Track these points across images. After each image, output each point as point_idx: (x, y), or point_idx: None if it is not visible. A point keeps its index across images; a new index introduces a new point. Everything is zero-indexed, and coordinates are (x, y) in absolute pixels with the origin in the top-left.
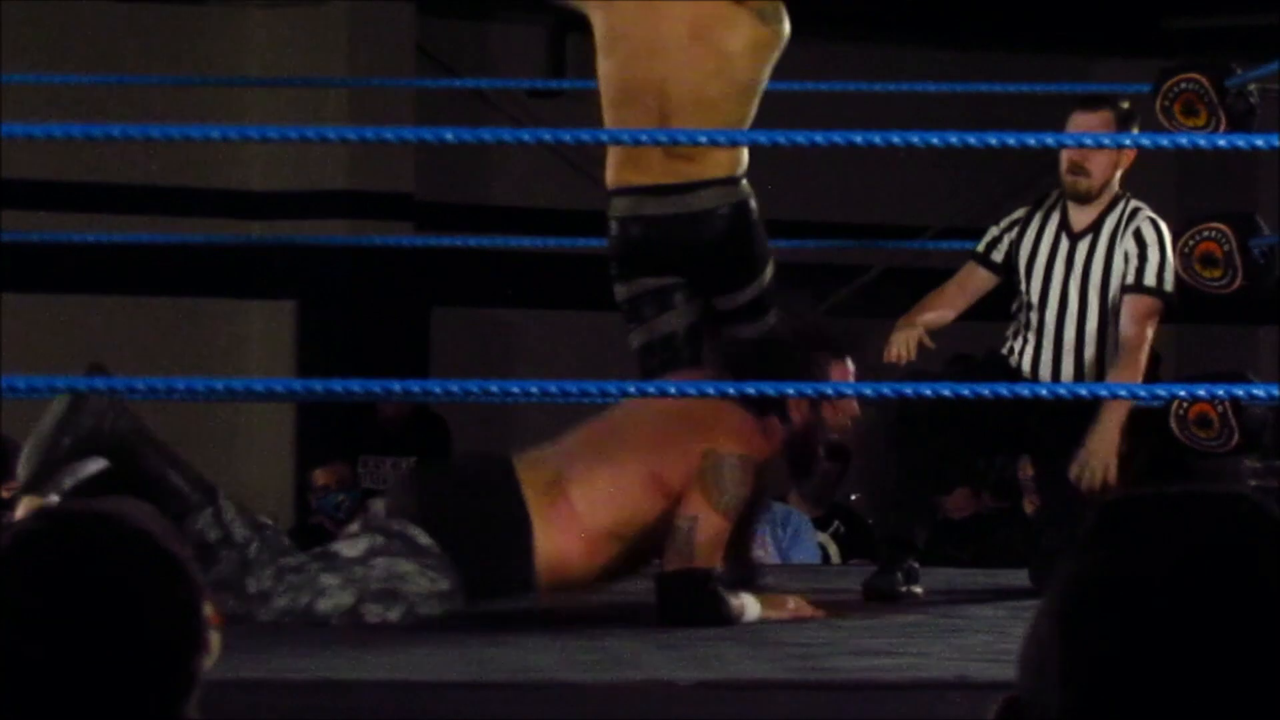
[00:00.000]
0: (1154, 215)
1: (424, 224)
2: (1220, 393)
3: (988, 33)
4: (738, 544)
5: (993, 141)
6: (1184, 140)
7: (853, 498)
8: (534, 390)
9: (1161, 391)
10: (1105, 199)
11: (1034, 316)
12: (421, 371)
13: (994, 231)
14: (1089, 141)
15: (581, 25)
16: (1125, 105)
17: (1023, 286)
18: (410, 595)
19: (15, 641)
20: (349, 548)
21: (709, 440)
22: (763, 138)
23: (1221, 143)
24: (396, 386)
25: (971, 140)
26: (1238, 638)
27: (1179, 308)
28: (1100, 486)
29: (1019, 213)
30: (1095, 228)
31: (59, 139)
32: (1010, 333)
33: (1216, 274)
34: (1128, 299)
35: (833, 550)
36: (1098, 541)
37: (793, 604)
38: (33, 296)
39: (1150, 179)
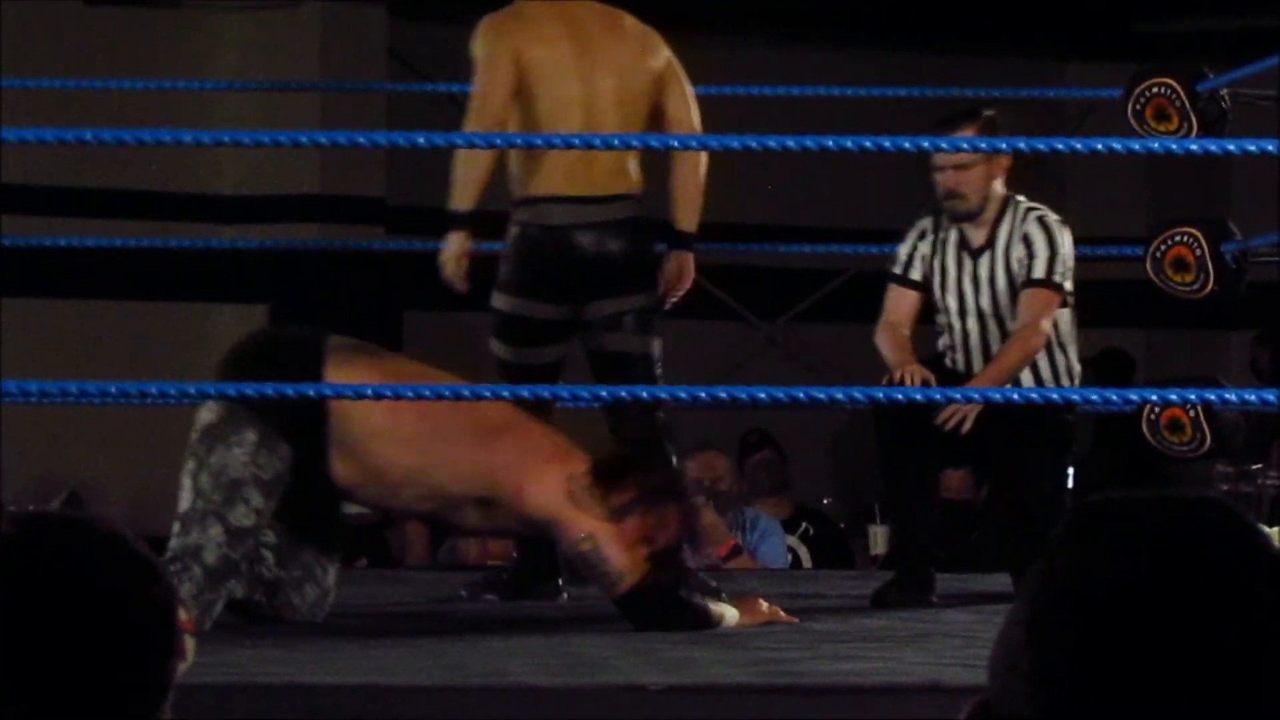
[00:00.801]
0: (1044, 213)
1: (395, 228)
2: (1192, 397)
3: (958, 37)
4: (665, 556)
5: (964, 145)
6: (1155, 145)
7: (825, 501)
8: (505, 395)
9: (1133, 395)
10: (993, 211)
11: (957, 327)
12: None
13: (904, 251)
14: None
15: None
16: (989, 114)
17: (940, 303)
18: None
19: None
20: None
21: (564, 465)
22: (735, 142)
23: (1193, 147)
24: (369, 390)
25: (943, 144)
26: (1208, 642)
27: (1075, 299)
28: (956, 420)
29: (921, 224)
30: (990, 243)
31: (28, 143)
32: (940, 341)
33: (1188, 278)
34: (1021, 295)
35: (804, 554)
36: (1068, 545)
37: (765, 607)
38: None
39: (1121, 183)
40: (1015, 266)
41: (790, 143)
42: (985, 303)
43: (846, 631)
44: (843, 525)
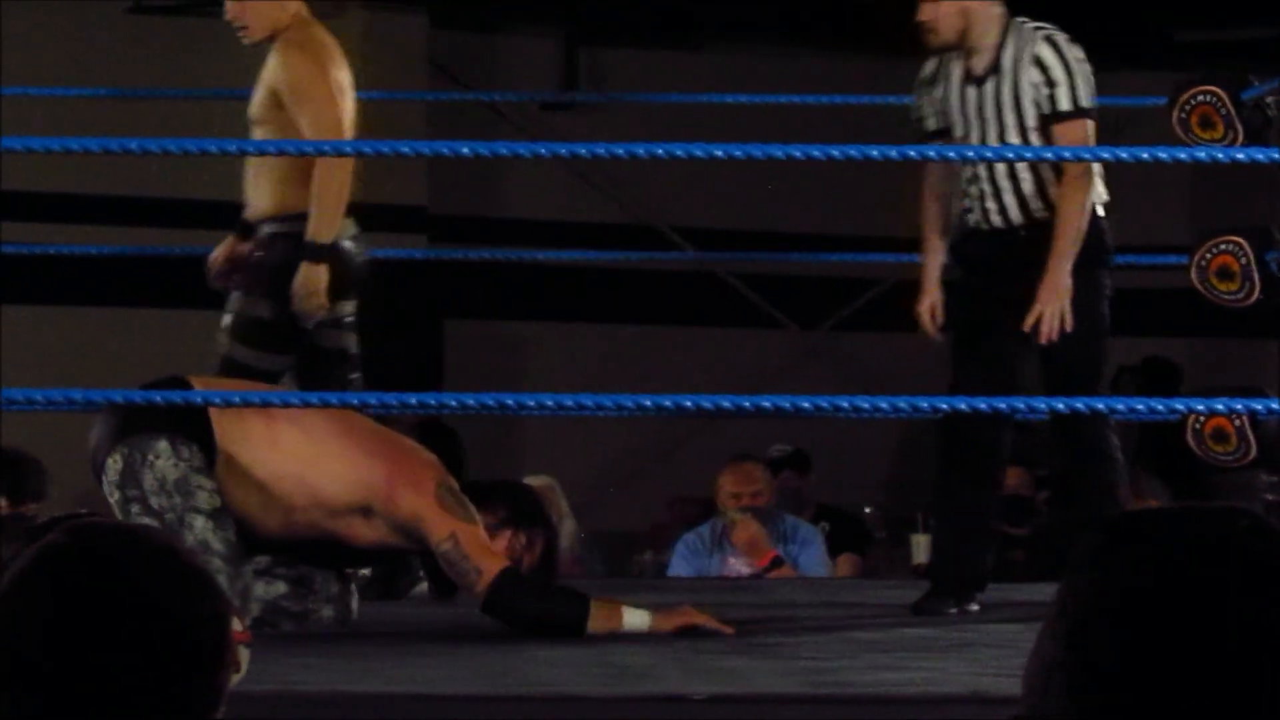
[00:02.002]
0: (1051, 31)
1: (437, 236)
2: (1238, 407)
3: None
4: (543, 563)
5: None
6: (1201, 154)
7: (866, 510)
8: (548, 403)
9: (1179, 405)
10: (994, 35)
11: (969, 168)
12: (435, 384)
13: (919, 104)
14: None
15: (594, 39)
16: None
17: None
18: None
19: (42, 655)
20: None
21: (435, 473)
22: (779, 151)
23: (1239, 155)
24: (411, 399)
25: (969, 154)
26: (1241, 651)
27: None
28: (1057, 331)
29: (926, 69)
30: (995, 67)
31: (74, 152)
32: (964, 205)
33: (1233, 287)
34: (1055, 130)
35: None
36: (1102, 558)
37: (687, 615)
38: (31, 308)
39: (1164, 192)
40: (1027, 91)
41: (835, 152)
42: (992, 133)
43: (888, 640)
44: (883, 535)
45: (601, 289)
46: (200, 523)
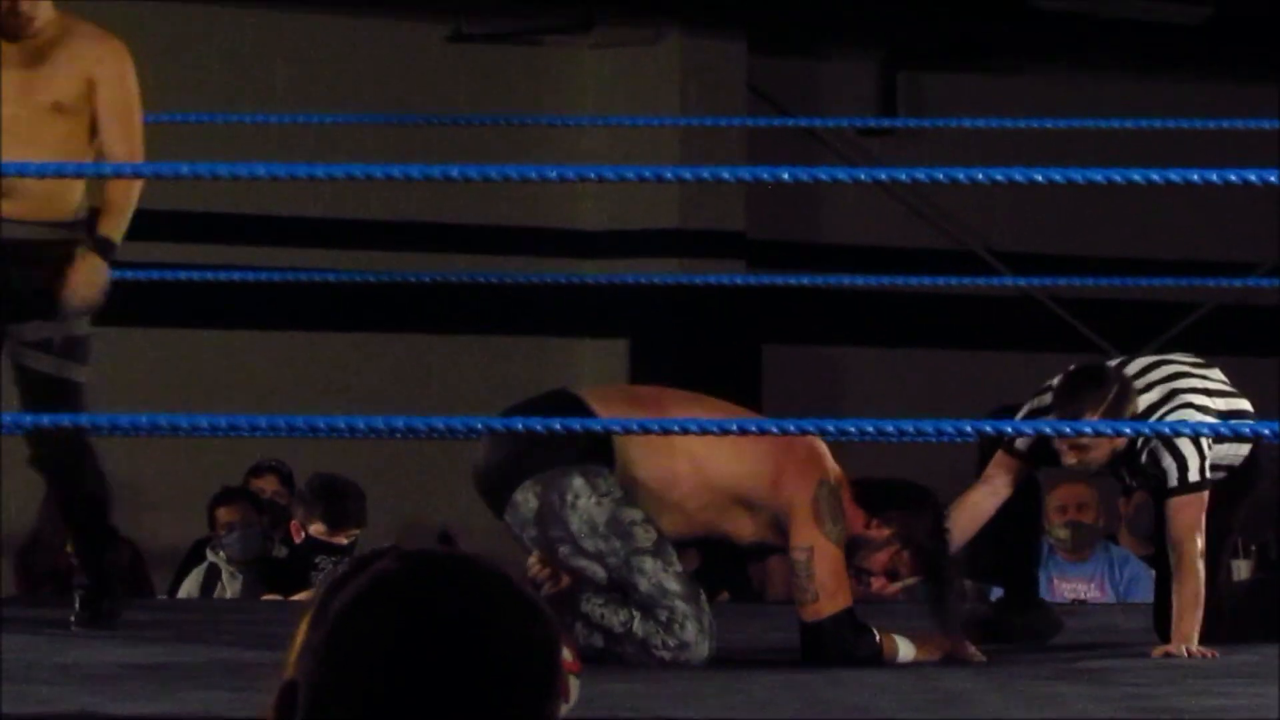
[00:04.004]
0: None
1: (756, 261)
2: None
3: None
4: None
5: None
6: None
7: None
8: (869, 429)
9: None
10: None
11: None
12: (754, 409)
13: None
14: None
15: (911, 63)
16: (1116, 387)
17: None
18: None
19: (377, 683)
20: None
21: (821, 470)
22: (1098, 175)
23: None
24: (733, 425)
25: None
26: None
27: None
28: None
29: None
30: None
31: (399, 179)
32: None
33: None
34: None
35: None
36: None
37: (943, 645)
38: (386, 335)
39: None
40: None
41: (1154, 175)
42: None
43: (1212, 667)
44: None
45: (920, 314)
46: (650, 564)
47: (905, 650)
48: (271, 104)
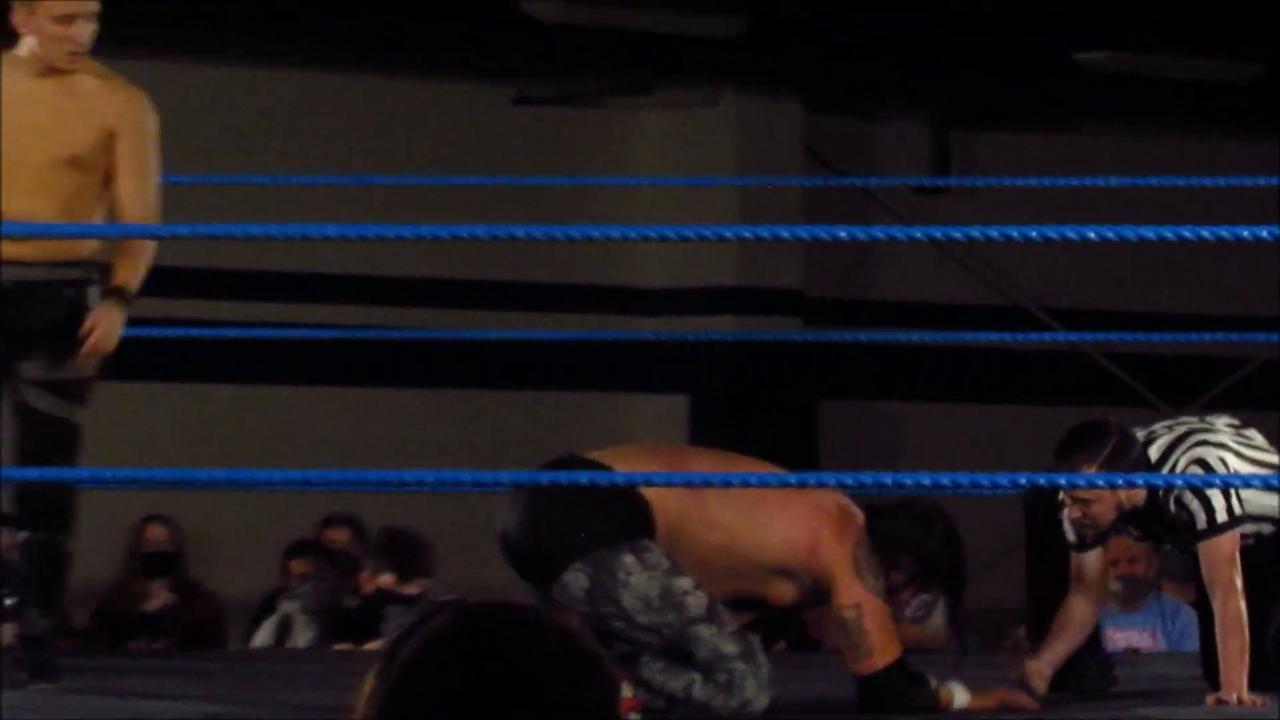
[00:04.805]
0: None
1: (812, 318)
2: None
3: None
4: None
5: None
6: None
7: None
8: (926, 482)
9: None
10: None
11: None
12: (811, 464)
13: None
14: None
15: (965, 123)
16: (1113, 440)
17: None
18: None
19: None
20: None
21: (855, 529)
22: (1150, 232)
23: None
24: (792, 479)
25: None
26: None
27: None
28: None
29: None
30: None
31: (465, 239)
32: None
33: None
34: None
35: None
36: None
37: (997, 694)
38: (450, 391)
39: None
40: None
41: (1205, 233)
42: None
43: (1264, 714)
44: None
45: (974, 369)
46: (705, 631)
47: (960, 698)
48: (345, 165)
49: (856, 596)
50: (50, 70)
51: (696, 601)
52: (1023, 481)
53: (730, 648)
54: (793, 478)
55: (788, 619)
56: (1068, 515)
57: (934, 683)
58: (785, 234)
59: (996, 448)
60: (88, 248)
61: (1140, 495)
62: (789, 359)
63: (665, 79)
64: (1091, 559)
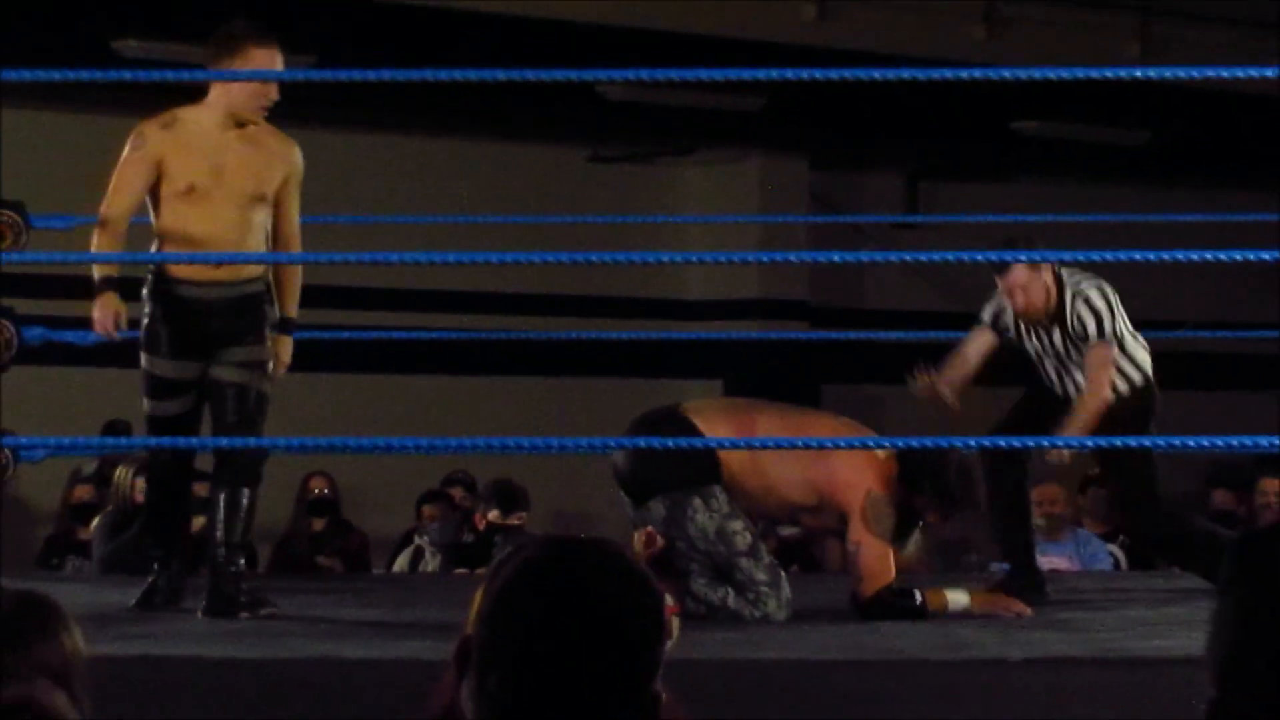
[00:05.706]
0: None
1: (816, 322)
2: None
3: None
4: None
5: None
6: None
7: None
8: (900, 445)
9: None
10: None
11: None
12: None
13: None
14: None
15: (930, 175)
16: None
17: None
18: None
19: (530, 643)
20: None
21: (868, 482)
22: (1067, 256)
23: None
24: (800, 443)
25: None
26: None
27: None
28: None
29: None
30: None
31: (552, 263)
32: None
33: None
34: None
35: (1121, 558)
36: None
37: (998, 601)
38: (538, 378)
39: None
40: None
41: (1109, 256)
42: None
43: (1156, 617)
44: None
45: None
46: (745, 563)
47: (958, 600)
48: (460, 212)
49: (858, 536)
50: (237, 122)
51: (743, 540)
52: (972, 444)
53: (761, 575)
54: (829, 441)
55: (801, 549)
56: (1010, 308)
57: (920, 595)
58: (794, 258)
59: (954, 420)
60: (260, 268)
61: (1054, 299)
62: (798, 353)
63: (704, 143)
64: (975, 348)
